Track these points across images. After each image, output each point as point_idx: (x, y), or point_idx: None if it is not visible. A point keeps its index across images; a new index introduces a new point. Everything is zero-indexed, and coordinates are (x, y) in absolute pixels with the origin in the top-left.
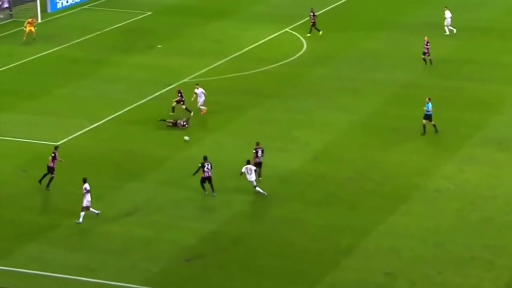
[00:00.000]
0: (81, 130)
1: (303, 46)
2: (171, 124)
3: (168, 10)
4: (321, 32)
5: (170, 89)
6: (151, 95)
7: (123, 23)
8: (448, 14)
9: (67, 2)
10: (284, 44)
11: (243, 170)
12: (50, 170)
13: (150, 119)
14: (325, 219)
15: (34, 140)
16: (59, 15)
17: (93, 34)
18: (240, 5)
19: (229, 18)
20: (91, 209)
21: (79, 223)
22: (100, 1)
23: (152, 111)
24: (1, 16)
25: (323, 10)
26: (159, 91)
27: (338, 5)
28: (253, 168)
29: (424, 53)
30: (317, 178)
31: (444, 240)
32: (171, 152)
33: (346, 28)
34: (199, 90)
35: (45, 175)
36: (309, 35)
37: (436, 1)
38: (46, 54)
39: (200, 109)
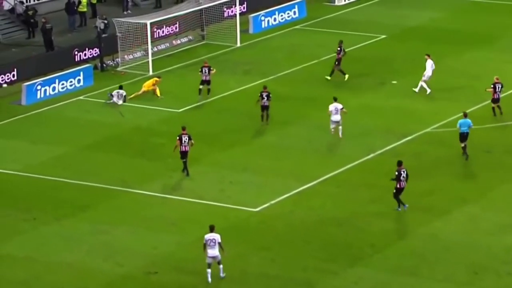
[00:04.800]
0: (288, 193)
1: None
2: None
3: (407, 33)
4: (346, 77)
5: (406, 141)
6: (380, 148)
7: (347, 49)
8: (429, 64)
9: (274, 20)
10: None
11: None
12: (184, 155)
13: (379, 182)
14: None
15: (225, 203)
16: (263, 37)
17: (306, 64)
18: (509, 29)
19: (491, 47)
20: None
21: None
22: (317, 20)
23: (382, 170)
24: (190, 37)
25: None
26: (391, 143)
27: None
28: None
29: (495, 100)
30: None
31: None
32: (403, 227)
33: None
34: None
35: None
36: (329, 78)
37: None
38: (244, 89)
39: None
